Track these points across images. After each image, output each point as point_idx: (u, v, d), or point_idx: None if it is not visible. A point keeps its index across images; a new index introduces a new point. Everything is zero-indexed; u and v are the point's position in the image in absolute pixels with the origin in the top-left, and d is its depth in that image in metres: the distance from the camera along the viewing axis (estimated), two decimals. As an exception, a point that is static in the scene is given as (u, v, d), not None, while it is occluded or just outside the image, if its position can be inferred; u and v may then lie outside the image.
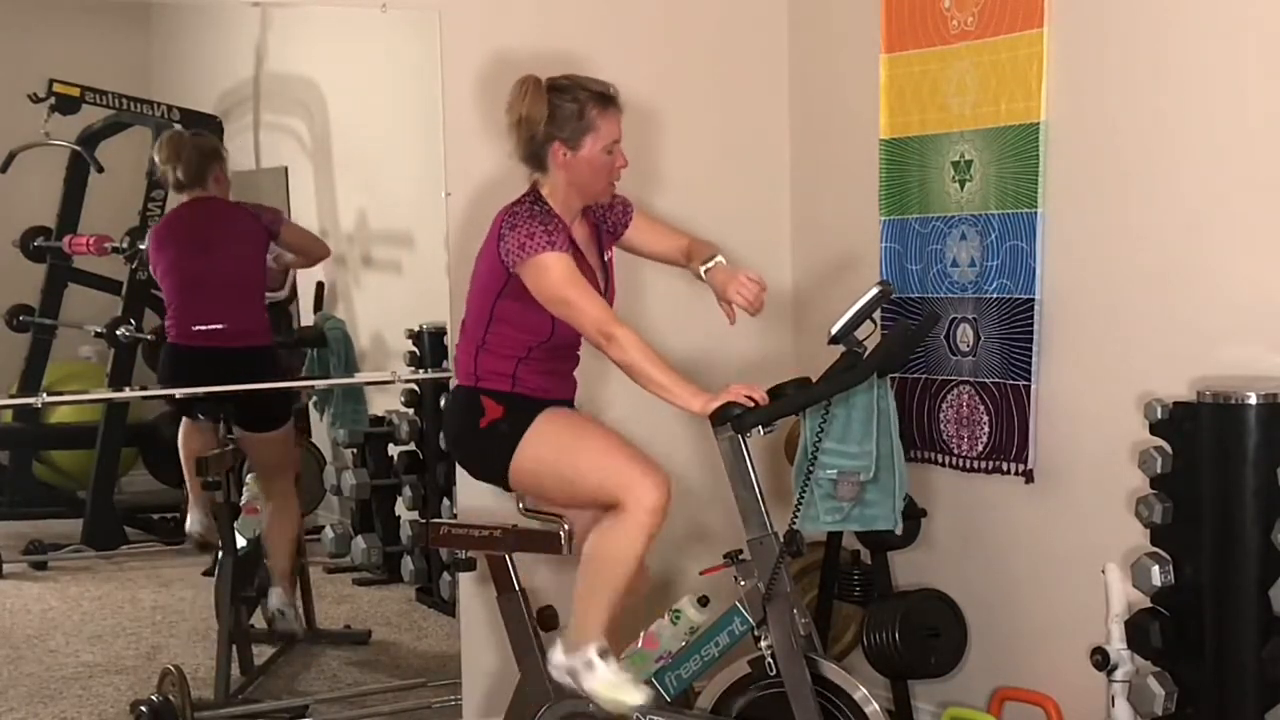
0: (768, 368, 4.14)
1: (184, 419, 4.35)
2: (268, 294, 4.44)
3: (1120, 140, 3.60)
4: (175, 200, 4.27)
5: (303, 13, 4.37)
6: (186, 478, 4.36)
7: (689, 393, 3.27)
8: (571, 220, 3.46)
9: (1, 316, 4.23)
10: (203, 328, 4.27)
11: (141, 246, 4.27)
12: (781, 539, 3.32)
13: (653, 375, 3.26)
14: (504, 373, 3.43)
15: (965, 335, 4.00)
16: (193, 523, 4.41)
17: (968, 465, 4.01)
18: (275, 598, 4.44)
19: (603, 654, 3.35)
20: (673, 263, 3.69)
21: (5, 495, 4.62)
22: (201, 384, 4.23)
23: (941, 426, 4.07)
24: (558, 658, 3.43)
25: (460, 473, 3.87)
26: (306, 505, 4.69)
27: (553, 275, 3.30)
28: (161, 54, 4.47)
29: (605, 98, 3.39)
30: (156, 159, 4.24)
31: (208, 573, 4.45)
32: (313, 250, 4.46)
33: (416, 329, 4.44)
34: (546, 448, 3.37)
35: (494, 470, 3.47)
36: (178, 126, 4.27)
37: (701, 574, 3.57)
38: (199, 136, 4.27)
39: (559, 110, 3.35)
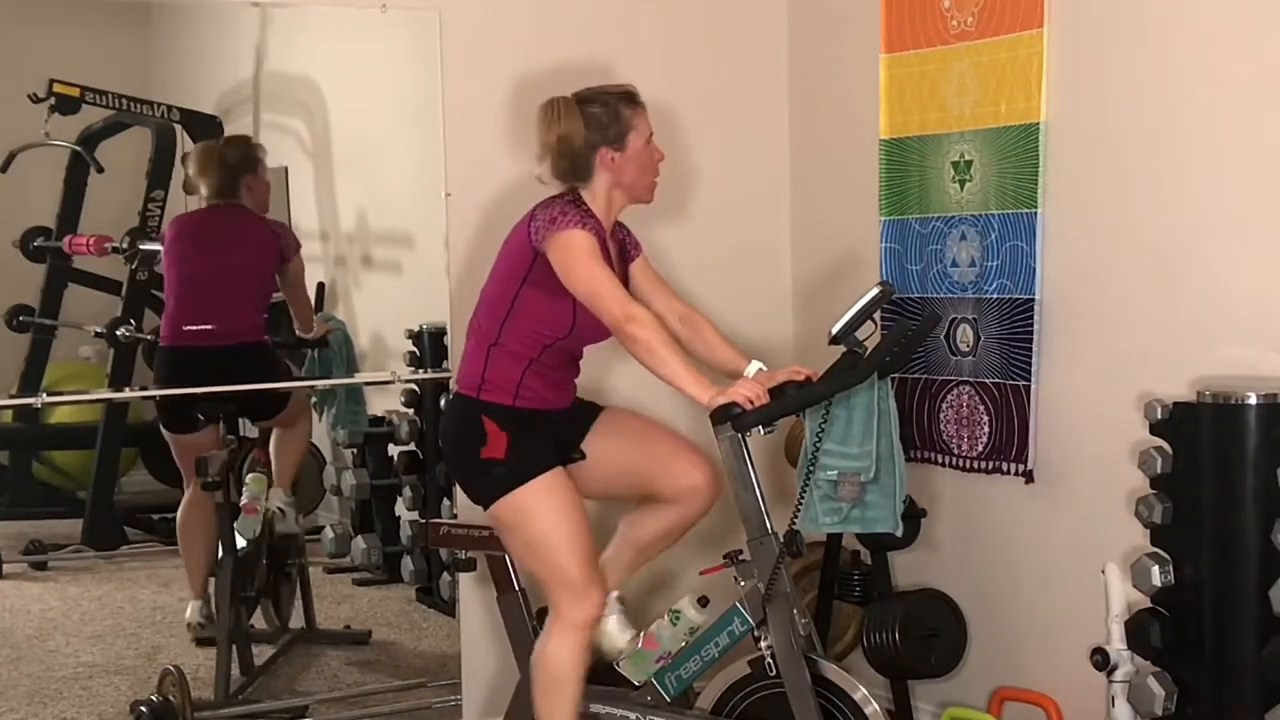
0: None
1: (174, 439, 4.34)
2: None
3: (1120, 140, 3.60)
4: (194, 202, 4.32)
5: (303, 13, 4.37)
6: (183, 551, 4.39)
7: (699, 384, 3.27)
8: (609, 230, 3.46)
9: (1, 316, 4.23)
10: (192, 328, 4.28)
11: (142, 247, 4.28)
12: (781, 539, 3.32)
13: (667, 359, 3.26)
14: (511, 379, 3.40)
15: (965, 335, 4.00)
16: (193, 612, 4.40)
17: (968, 465, 4.01)
18: (276, 496, 4.48)
19: None
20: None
21: (5, 495, 4.62)
22: (196, 385, 4.23)
23: (941, 426, 4.07)
24: None
25: (460, 473, 3.87)
26: (306, 505, 4.70)
27: (581, 250, 3.29)
28: (161, 54, 4.47)
29: (631, 96, 3.44)
30: (189, 169, 4.28)
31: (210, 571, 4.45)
32: (301, 301, 4.46)
33: (416, 329, 4.45)
34: (526, 511, 3.38)
35: (477, 498, 3.49)
36: (216, 140, 4.34)
37: (701, 574, 3.58)
38: (232, 147, 4.31)
39: (594, 118, 3.39)
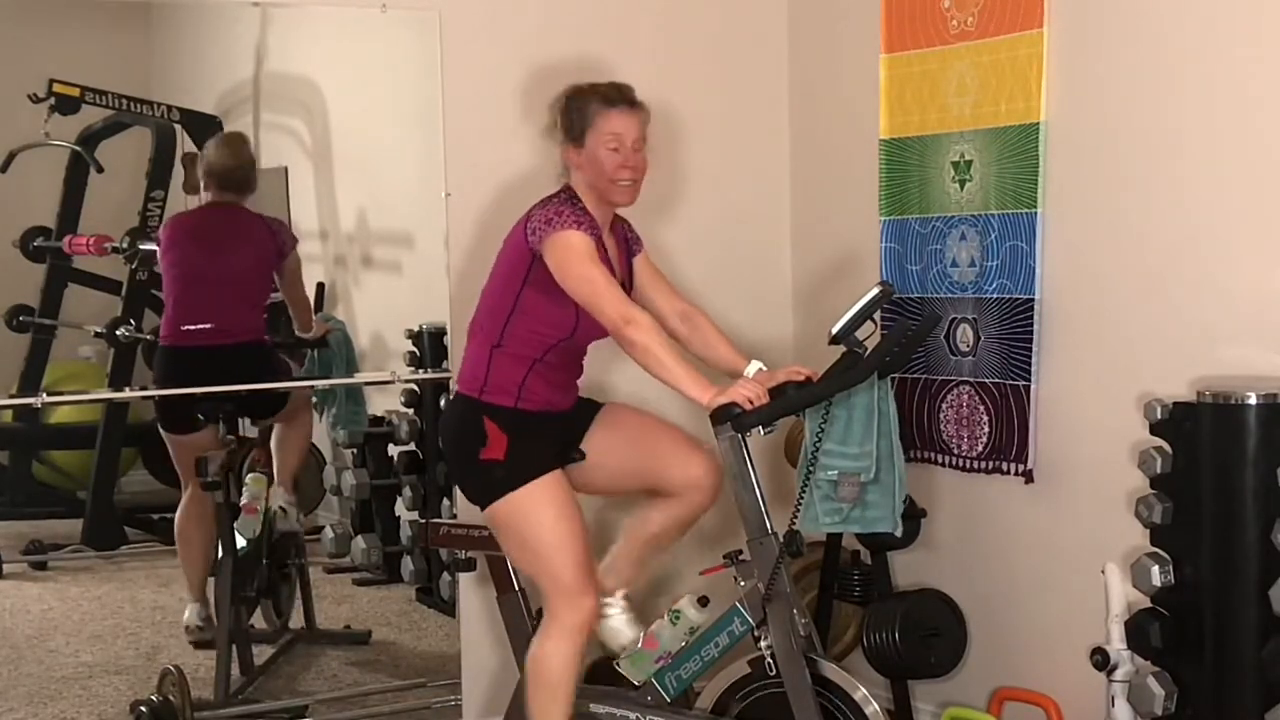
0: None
1: (173, 439, 4.34)
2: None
3: (1120, 140, 3.60)
4: (194, 202, 4.32)
5: (303, 13, 4.37)
6: (181, 553, 4.39)
7: (699, 385, 3.27)
8: (604, 226, 3.46)
9: (1, 316, 4.23)
10: (191, 327, 4.28)
11: (142, 247, 4.28)
12: (781, 539, 3.32)
13: (666, 362, 3.26)
14: (513, 381, 3.39)
15: (965, 335, 4.00)
16: (191, 615, 4.42)
17: (968, 465, 4.01)
18: (278, 495, 4.49)
19: None
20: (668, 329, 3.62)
21: (5, 495, 4.63)
22: (196, 385, 4.23)
23: (941, 426, 4.07)
24: None
25: (460, 473, 3.87)
26: (307, 505, 4.70)
27: (576, 251, 3.28)
28: (161, 54, 4.47)
29: (610, 97, 3.39)
30: (208, 155, 4.28)
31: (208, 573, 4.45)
32: (299, 297, 4.46)
33: (416, 329, 4.45)
34: (523, 513, 3.38)
35: (475, 498, 3.49)
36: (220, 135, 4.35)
37: (701, 574, 3.58)
38: (230, 144, 4.33)
39: (567, 115, 3.40)
